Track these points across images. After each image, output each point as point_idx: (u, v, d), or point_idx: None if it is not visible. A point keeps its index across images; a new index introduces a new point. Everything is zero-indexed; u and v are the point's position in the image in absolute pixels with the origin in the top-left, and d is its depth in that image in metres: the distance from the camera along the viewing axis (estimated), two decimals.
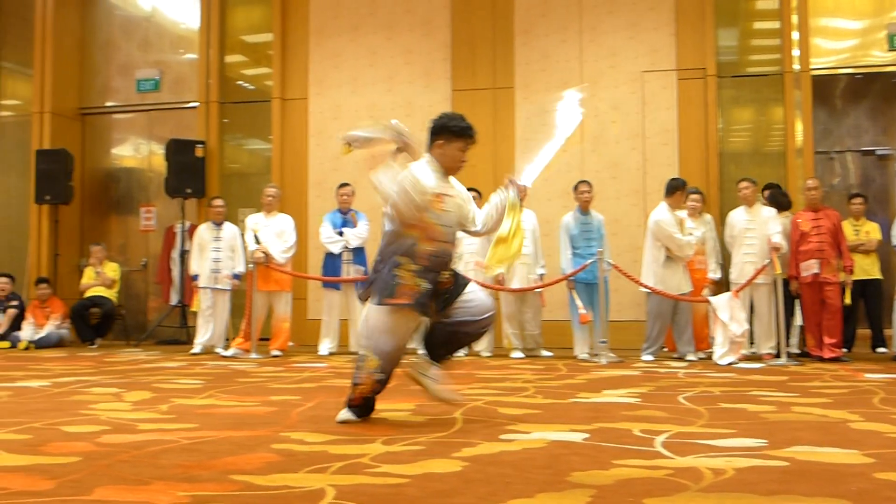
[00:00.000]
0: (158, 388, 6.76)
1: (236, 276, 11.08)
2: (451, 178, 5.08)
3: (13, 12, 14.24)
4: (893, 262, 10.17)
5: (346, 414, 4.85)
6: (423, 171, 4.88)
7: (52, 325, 12.26)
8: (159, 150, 13.58)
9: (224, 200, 11.44)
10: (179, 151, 12.77)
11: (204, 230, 11.22)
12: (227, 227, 11.25)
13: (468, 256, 10.51)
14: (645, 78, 11.95)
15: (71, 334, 12.52)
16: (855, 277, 9.91)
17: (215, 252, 11.06)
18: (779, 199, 10.37)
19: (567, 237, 10.16)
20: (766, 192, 10.43)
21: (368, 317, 4.82)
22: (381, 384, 4.85)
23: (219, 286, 11.04)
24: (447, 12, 12.66)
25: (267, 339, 10.77)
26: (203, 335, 11.08)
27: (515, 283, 10.25)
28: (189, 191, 12.69)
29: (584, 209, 10.23)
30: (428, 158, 5.02)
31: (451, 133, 5.06)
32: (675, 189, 9.90)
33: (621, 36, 12.11)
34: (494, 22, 12.47)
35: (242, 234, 10.96)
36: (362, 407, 4.89)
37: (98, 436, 4.30)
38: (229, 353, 10.38)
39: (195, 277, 11.17)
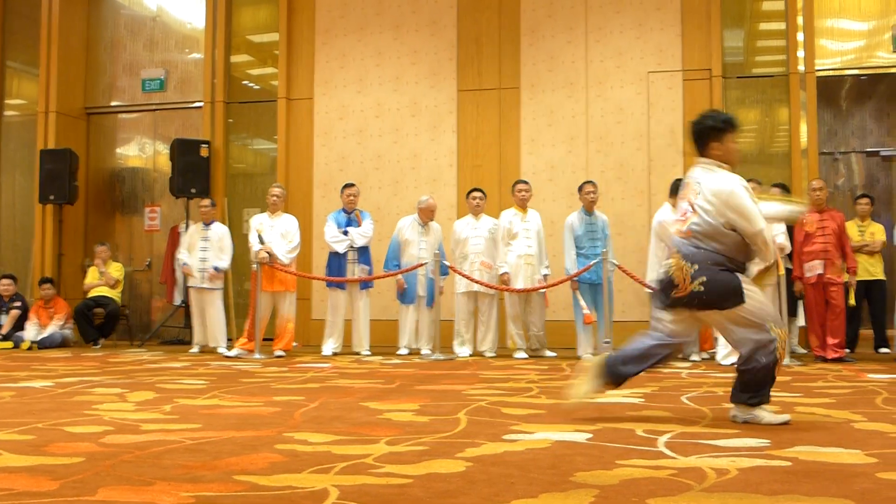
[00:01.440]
0: (162, 388, 6.75)
1: (216, 269, 11.14)
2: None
3: (19, 12, 14.26)
4: None
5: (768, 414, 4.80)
6: None
7: (56, 326, 12.27)
8: (164, 150, 13.60)
9: (212, 201, 11.57)
10: (184, 151, 12.77)
11: (193, 230, 11.42)
12: (216, 226, 11.37)
13: (473, 256, 10.52)
14: (651, 78, 11.94)
15: (74, 334, 12.51)
16: (859, 278, 9.94)
17: (203, 252, 11.16)
18: None
19: (571, 237, 10.17)
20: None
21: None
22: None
23: (206, 286, 11.13)
24: (453, 12, 12.66)
25: (271, 340, 10.78)
26: (197, 335, 11.35)
27: (520, 284, 10.24)
28: (194, 191, 12.68)
29: (588, 210, 10.23)
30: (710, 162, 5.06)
31: (715, 129, 5.06)
32: (679, 189, 9.91)
33: (627, 36, 12.10)
34: (500, 22, 12.46)
35: (247, 234, 11.01)
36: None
37: (102, 436, 4.30)
38: (233, 353, 10.39)
39: (184, 264, 11.41)
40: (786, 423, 4.68)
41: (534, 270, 10.37)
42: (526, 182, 10.69)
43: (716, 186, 4.84)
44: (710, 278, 4.72)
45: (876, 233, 10.49)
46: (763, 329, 4.69)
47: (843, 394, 6.30)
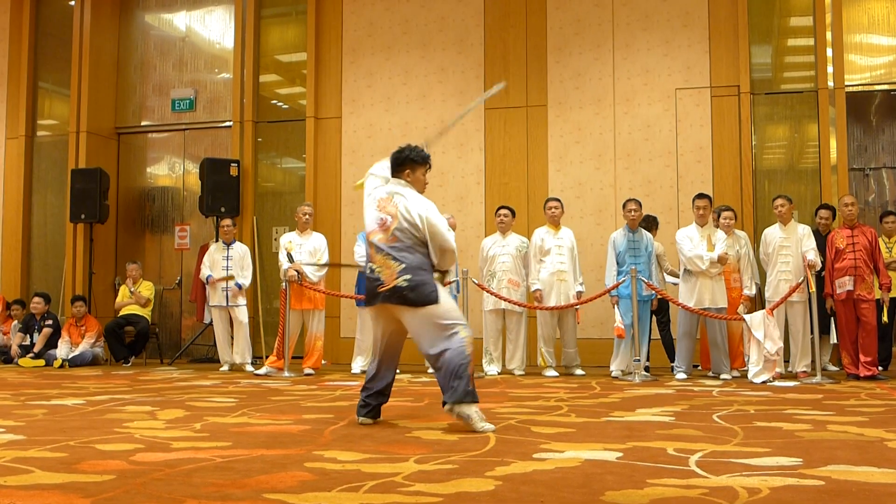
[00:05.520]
0: (192, 406, 6.79)
1: (238, 286, 11.21)
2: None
3: (51, 33, 14.42)
4: None
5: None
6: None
7: (87, 344, 12.35)
8: (194, 169, 13.69)
9: (233, 221, 11.65)
10: (214, 170, 12.85)
11: (214, 250, 11.49)
12: (237, 246, 11.47)
13: (501, 274, 10.50)
14: (678, 95, 11.91)
15: (105, 353, 12.60)
16: (890, 295, 9.80)
17: (225, 272, 11.24)
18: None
19: (613, 254, 10.09)
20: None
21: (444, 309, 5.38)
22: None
23: (231, 304, 11.20)
24: (480, 31, 12.69)
25: (300, 358, 10.79)
26: (225, 354, 11.37)
27: (552, 301, 10.21)
28: (223, 209, 12.74)
29: (632, 227, 10.13)
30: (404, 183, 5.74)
31: (414, 161, 5.76)
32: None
33: (655, 53, 12.08)
34: (527, 40, 12.48)
35: (276, 252, 11.05)
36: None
37: (132, 454, 4.33)
38: (262, 371, 10.42)
39: (209, 277, 11.39)
40: (491, 431, 5.10)
41: (567, 287, 10.34)
42: (557, 199, 10.68)
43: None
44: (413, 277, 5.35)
45: None
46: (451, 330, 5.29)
47: (877, 412, 6.24)
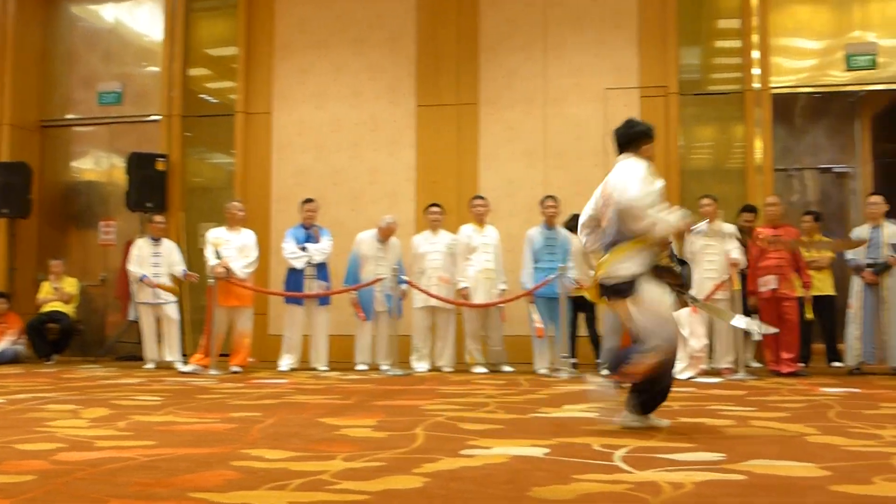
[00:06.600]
0: (116, 404, 6.69)
1: (186, 273, 11.20)
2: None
3: None
4: (846, 278, 10.28)
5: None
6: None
7: (8, 341, 12.07)
8: (120, 164, 13.45)
9: (165, 217, 11.60)
10: (141, 165, 12.67)
11: (142, 245, 11.27)
12: (166, 242, 11.32)
13: (431, 272, 10.51)
14: (608, 95, 12.01)
15: (27, 350, 12.33)
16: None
17: (154, 268, 11.11)
18: None
19: (530, 251, 10.19)
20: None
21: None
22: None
23: (160, 301, 11.06)
24: (413, 29, 12.68)
25: (227, 355, 10.69)
26: (151, 352, 11.19)
27: (479, 298, 10.27)
28: (150, 205, 12.57)
29: (549, 224, 10.25)
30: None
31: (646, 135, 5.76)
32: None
33: (586, 54, 12.17)
34: (460, 39, 12.50)
35: (203, 249, 10.93)
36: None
37: (54, 454, 4.25)
38: (188, 368, 10.30)
39: (143, 277, 11.12)
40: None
41: (492, 285, 10.41)
42: (482, 197, 10.75)
43: None
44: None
45: None
46: None
47: (798, 408, 6.37)
